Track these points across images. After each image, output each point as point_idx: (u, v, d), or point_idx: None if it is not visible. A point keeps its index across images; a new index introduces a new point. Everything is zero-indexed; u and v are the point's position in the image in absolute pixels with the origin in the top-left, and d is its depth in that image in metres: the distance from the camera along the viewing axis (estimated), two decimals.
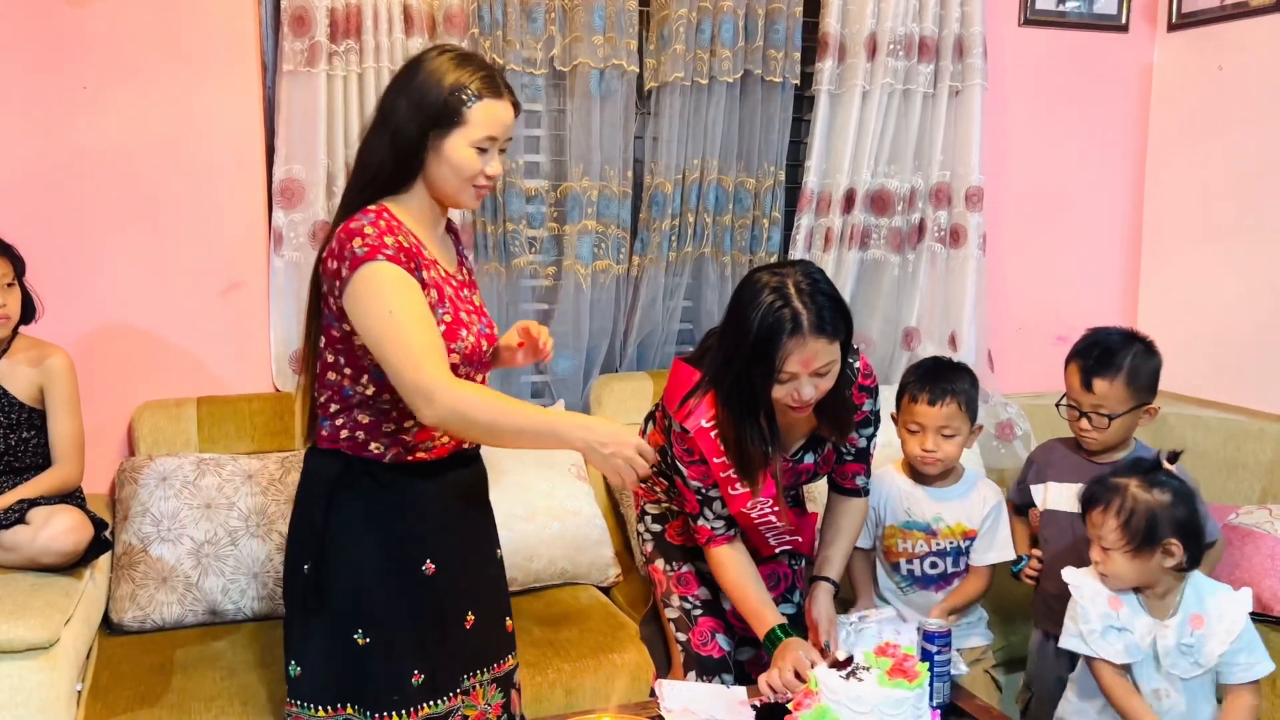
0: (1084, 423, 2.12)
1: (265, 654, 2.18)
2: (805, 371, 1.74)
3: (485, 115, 1.63)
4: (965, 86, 3.10)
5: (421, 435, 1.72)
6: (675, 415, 1.89)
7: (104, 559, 2.28)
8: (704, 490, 1.92)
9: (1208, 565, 2.08)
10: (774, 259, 3.07)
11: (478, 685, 1.83)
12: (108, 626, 2.31)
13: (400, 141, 1.63)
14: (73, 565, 2.09)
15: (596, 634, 2.34)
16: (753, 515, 1.93)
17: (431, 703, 1.74)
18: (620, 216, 2.88)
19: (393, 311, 1.53)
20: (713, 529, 1.94)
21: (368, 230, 1.56)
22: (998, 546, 2.22)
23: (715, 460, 1.87)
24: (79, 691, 2.04)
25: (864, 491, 2.08)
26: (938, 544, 2.20)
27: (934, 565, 2.21)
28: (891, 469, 2.27)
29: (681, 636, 2.01)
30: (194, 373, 2.63)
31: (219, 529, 2.36)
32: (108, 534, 2.19)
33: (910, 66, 3.03)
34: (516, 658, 1.93)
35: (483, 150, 1.64)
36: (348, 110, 2.60)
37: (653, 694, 1.91)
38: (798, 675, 1.74)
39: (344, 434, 1.70)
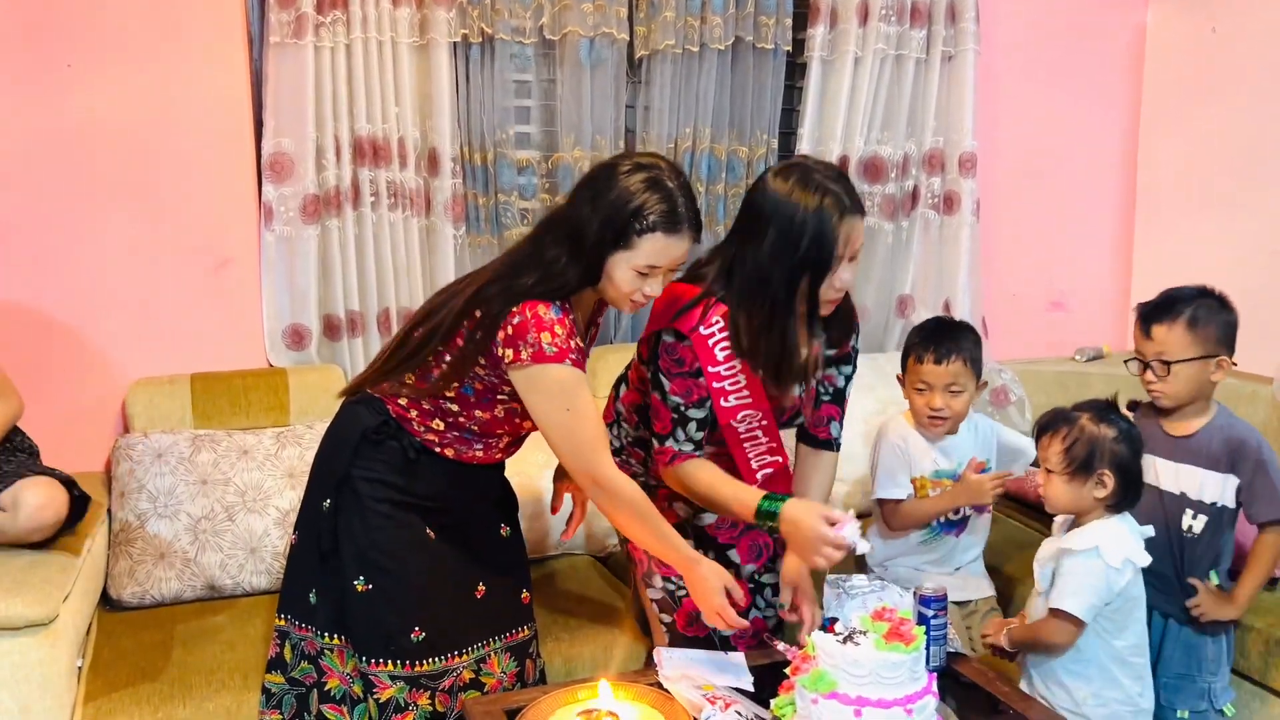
0: (1148, 374, 2.04)
1: (265, 628, 2.19)
2: (848, 254, 1.77)
3: (653, 247, 1.70)
4: (958, 51, 3.08)
5: (486, 457, 1.89)
6: (672, 323, 1.83)
7: (101, 535, 2.28)
8: (683, 407, 1.86)
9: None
10: None
11: (492, 654, 1.91)
12: (107, 603, 2.32)
13: (588, 258, 1.72)
14: (62, 530, 2.08)
15: (594, 604, 2.36)
16: (740, 429, 1.90)
17: (430, 660, 1.83)
18: None
19: (570, 409, 1.72)
20: (679, 450, 1.88)
21: (558, 330, 1.70)
22: (1013, 457, 2.34)
23: (710, 369, 1.84)
24: (80, 667, 2.05)
25: (836, 445, 2.05)
26: None
27: (957, 510, 2.25)
28: (905, 424, 2.30)
29: (666, 618, 1.99)
30: (187, 349, 2.62)
31: (215, 505, 2.36)
32: (79, 492, 2.14)
33: (903, 32, 3.02)
34: (533, 629, 2.01)
35: (644, 274, 1.73)
36: (336, 82, 2.57)
37: (650, 662, 1.92)
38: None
39: (413, 414, 1.83)
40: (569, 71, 2.78)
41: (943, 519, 2.26)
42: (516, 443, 1.96)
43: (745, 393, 1.88)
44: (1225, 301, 2.06)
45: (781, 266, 1.76)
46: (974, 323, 3.19)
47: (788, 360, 1.83)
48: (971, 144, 3.11)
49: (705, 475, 1.90)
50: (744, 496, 1.86)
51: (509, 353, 1.70)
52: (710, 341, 1.83)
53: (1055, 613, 1.86)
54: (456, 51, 2.70)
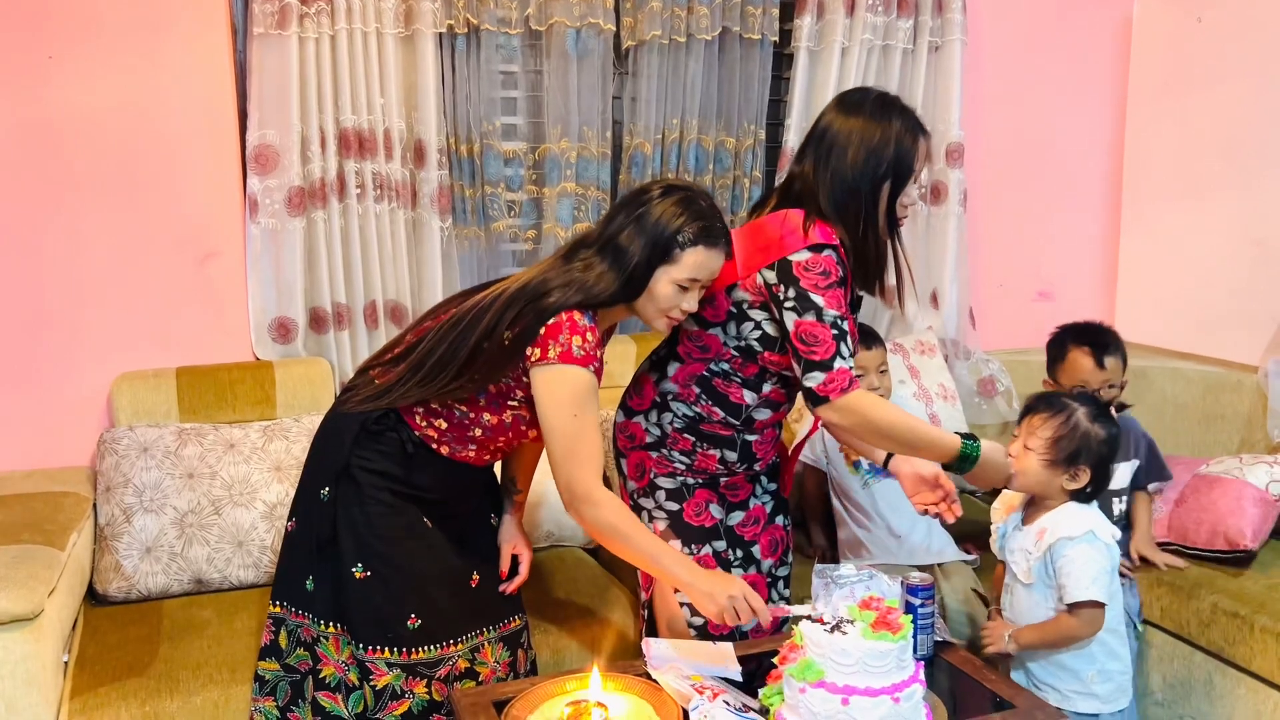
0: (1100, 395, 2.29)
1: (252, 621, 2.19)
2: (921, 170, 1.91)
3: (695, 260, 1.78)
4: (945, 42, 3.08)
5: (477, 459, 1.91)
6: (808, 238, 1.84)
7: (87, 529, 2.27)
8: (840, 320, 1.84)
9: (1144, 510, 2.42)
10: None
11: (486, 643, 1.92)
12: (93, 597, 2.31)
13: (631, 277, 1.78)
14: None
15: (583, 595, 2.36)
16: None
17: (426, 648, 1.85)
18: (600, 178, 2.86)
19: (577, 415, 1.75)
20: (851, 369, 1.85)
21: (589, 337, 1.75)
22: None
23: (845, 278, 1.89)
24: (66, 662, 2.04)
25: None
26: None
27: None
28: None
29: (698, 620, 1.97)
30: (172, 342, 2.61)
31: (202, 498, 2.35)
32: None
33: (889, 22, 3.01)
34: (524, 619, 2.03)
35: (683, 288, 1.79)
36: (320, 73, 2.56)
37: (638, 653, 1.93)
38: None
39: (418, 409, 1.85)
40: (555, 62, 2.77)
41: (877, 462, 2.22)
42: (504, 450, 1.98)
43: None
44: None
45: (868, 178, 1.87)
46: (961, 313, 3.22)
47: (881, 263, 1.93)
48: (958, 134, 3.12)
49: (888, 407, 1.92)
50: (942, 437, 1.90)
51: (536, 351, 1.74)
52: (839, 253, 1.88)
53: (1079, 605, 1.85)
54: (442, 42, 2.69)
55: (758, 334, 1.91)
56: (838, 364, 1.82)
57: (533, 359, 1.74)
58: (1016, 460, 1.93)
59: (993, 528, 2.07)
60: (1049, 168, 3.41)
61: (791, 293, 1.83)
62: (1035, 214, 3.42)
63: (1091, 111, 3.42)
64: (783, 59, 3.05)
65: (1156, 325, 3.34)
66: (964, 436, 1.90)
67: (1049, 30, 3.33)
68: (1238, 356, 3.02)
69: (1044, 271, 3.46)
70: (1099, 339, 2.38)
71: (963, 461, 1.89)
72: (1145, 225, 3.40)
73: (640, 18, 2.81)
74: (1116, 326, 2.51)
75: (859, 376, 2.24)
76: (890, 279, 1.99)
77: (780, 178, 3.01)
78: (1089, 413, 1.91)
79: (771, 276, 1.85)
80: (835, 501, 2.47)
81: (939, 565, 2.40)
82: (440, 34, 2.66)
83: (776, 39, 2.97)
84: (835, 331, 1.82)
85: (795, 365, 1.85)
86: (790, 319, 1.83)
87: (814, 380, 1.82)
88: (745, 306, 1.91)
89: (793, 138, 2.99)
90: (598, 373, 1.77)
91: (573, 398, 1.74)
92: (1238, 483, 2.42)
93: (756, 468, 2.06)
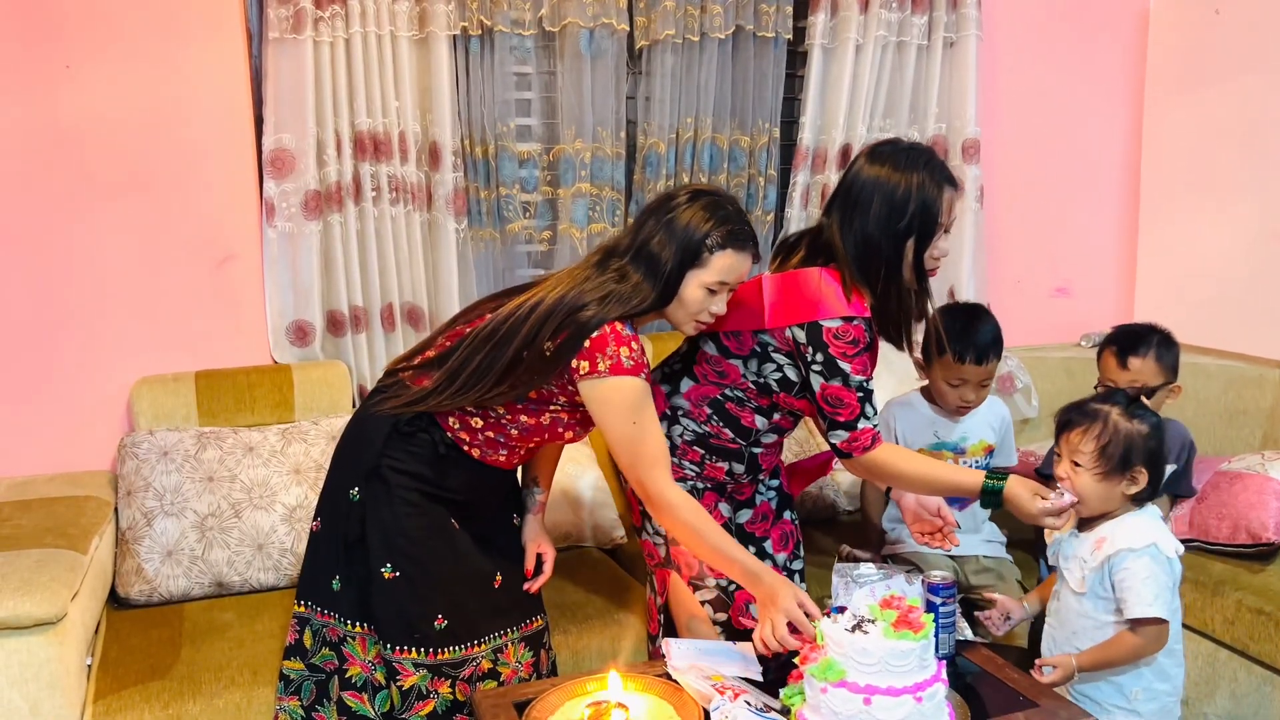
0: None
1: (273, 624, 2.19)
2: (948, 223, 1.87)
3: (724, 264, 1.81)
4: (960, 37, 3.07)
5: (507, 463, 1.92)
6: (846, 308, 1.84)
7: (108, 533, 2.28)
8: (866, 384, 1.87)
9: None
10: (770, 217, 3.06)
11: (509, 644, 1.93)
12: (115, 601, 2.32)
13: (665, 280, 1.81)
14: None
15: (602, 596, 2.36)
16: None
17: (451, 648, 1.86)
18: (614, 178, 2.86)
19: (636, 422, 1.79)
20: (875, 426, 1.89)
21: (634, 346, 1.78)
22: (1010, 452, 2.36)
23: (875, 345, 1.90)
24: (89, 665, 2.06)
25: None
26: (965, 462, 2.25)
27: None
28: (914, 395, 2.33)
29: (721, 616, 1.98)
30: (191, 346, 2.62)
31: (222, 502, 2.36)
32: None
33: (904, 18, 3.00)
34: (545, 619, 2.04)
35: (712, 291, 1.82)
36: (335, 77, 2.57)
37: (656, 653, 1.92)
38: (795, 630, 1.75)
39: (452, 413, 1.85)
40: (569, 63, 2.77)
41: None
42: (534, 451, 1.99)
43: None
44: (1171, 336, 2.40)
45: (889, 233, 1.84)
46: None
47: (905, 319, 1.93)
48: (975, 130, 3.10)
49: (910, 458, 1.95)
50: (964, 479, 1.92)
51: (584, 365, 1.76)
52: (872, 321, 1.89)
53: (1142, 623, 1.77)
54: (456, 44, 2.69)
55: (778, 376, 1.94)
56: (861, 424, 1.87)
57: (581, 372, 1.76)
58: (1068, 481, 1.84)
59: (1051, 537, 1.99)
60: (1066, 163, 3.39)
61: (820, 357, 1.86)
62: (1052, 209, 3.40)
63: (1108, 105, 3.40)
64: (797, 56, 3.04)
65: (1176, 320, 3.28)
66: (991, 474, 1.89)
67: (1065, 24, 3.30)
68: (1259, 351, 2.99)
69: (1062, 267, 3.44)
70: (1128, 339, 2.36)
71: (991, 496, 1.89)
72: (1164, 219, 3.37)
73: (654, 17, 2.81)
74: (1135, 321, 2.48)
75: (959, 386, 2.24)
76: (918, 331, 1.98)
77: (795, 176, 3.01)
78: (1123, 411, 1.83)
79: (801, 336, 1.87)
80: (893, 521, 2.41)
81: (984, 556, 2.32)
82: (454, 36, 2.67)
83: (790, 36, 2.96)
84: (861, 394, 1.87)
85: (819, 420, 1.90)
86: (816, 381, 1.87)
87: (838, 438, 1.89)
88: (770, 350, 1.92)
89: (807, 136, 2.98)
90: (648, 379, 1.80)
91: (630, 406, 1.77)
92: (1259, 478, 2.40)
93: (760, 475, 2.09)
